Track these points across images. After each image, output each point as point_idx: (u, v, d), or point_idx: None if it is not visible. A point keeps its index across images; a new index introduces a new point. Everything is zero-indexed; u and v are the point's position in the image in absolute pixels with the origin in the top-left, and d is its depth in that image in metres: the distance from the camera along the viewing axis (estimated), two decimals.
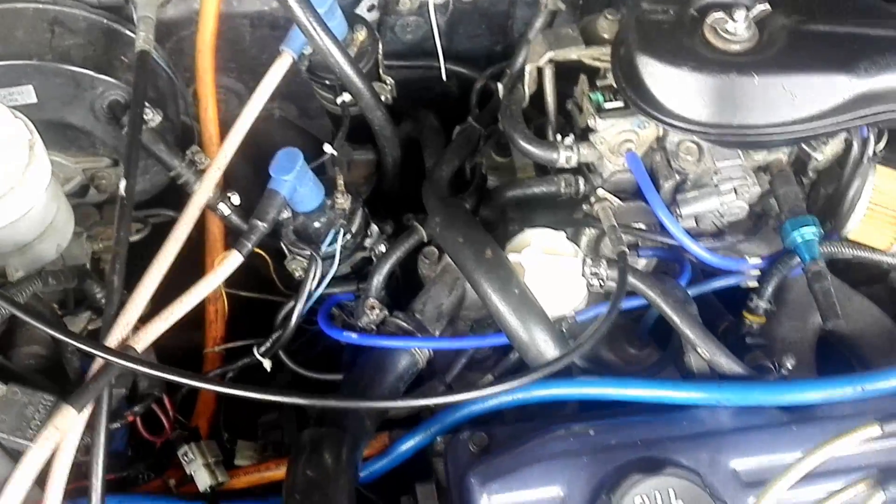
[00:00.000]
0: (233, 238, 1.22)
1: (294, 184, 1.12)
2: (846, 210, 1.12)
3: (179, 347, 1.21)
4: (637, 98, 1.09)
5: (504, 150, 1.38)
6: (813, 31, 1.04)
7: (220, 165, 1.12)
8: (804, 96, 1.02)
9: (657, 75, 1.07)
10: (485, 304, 1.07)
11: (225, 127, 1.27)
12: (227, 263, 1.06)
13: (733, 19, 1.04)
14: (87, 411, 0.89)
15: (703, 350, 1.03)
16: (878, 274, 1.31)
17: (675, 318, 1.05)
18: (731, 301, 1.22)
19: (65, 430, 0.85)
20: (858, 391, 0.96)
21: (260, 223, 1.10)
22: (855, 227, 1.11)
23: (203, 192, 1.10)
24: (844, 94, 1.02)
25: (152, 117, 1.19)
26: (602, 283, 1.08)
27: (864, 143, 1.15)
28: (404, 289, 1.28)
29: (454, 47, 1.61)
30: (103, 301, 1.04)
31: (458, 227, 1.12)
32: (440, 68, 1.52)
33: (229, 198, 1.21)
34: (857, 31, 1.03)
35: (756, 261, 1.14)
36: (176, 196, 1.23)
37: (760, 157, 1.17)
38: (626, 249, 1.07)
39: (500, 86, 1.31)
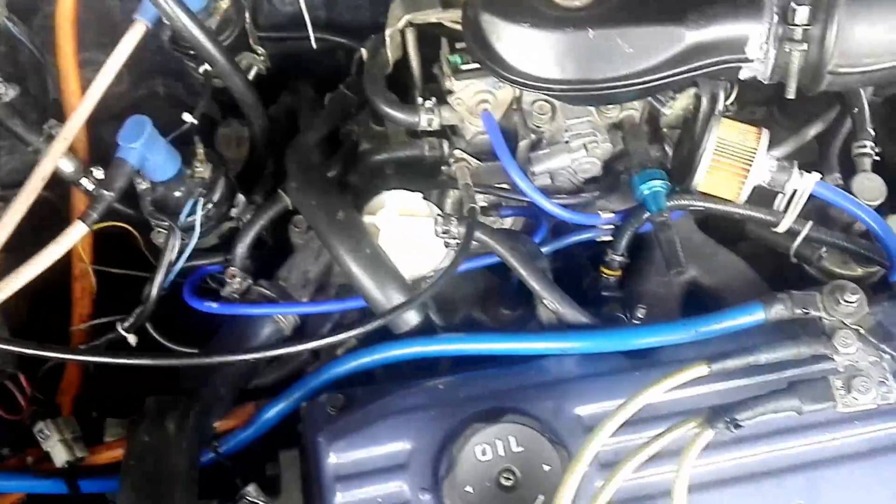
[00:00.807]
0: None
1: (143, 152, 1.10)
2: (691, 160, 1.14)
3: (41, 328, 1.19)
4: (485, 57, 1.09)
5: (381, 119, 1.38)
6: None
7: (66, 136, 1.10)
8: (639, 49, 1.03)
9: (501, 34, 1.07)
10: (338, 264, 1.07)
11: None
12: (71, 234, 1.04)
13: None
14: None
15: (549, 301, 1.05)
16: (743, 231, 1.34)
17: (522, 272, 1.06)
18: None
19: None
20: (692, 334, 0.98)
21: (106, 192, 1.08)
22: (702, 179, 1.12)
23: (49, 160, 1.08)
24: (677, 45, 1.02)
25: (5, 91, 1.16)
26: (450, 241, 1.08)
27: (713, 98, 1.17)
28: (278, 258, 1.28)
29: (336, 18, 1.59)
30: None
31: (313, 190, 1.12)
32: (317, 38, 1.50)
33: (91, 172, 1.18)
34: None
35: (608, 215, 1.15)
36: None
37: (613, 114, 1.18)
38: (477, 206, 1.08)
39: (363, 51, 1.30)
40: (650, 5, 1.04)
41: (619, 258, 1.15)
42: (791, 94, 1.04)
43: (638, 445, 0.89)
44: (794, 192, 1.12)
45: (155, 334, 1.22)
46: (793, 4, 0.99)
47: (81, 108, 1.13)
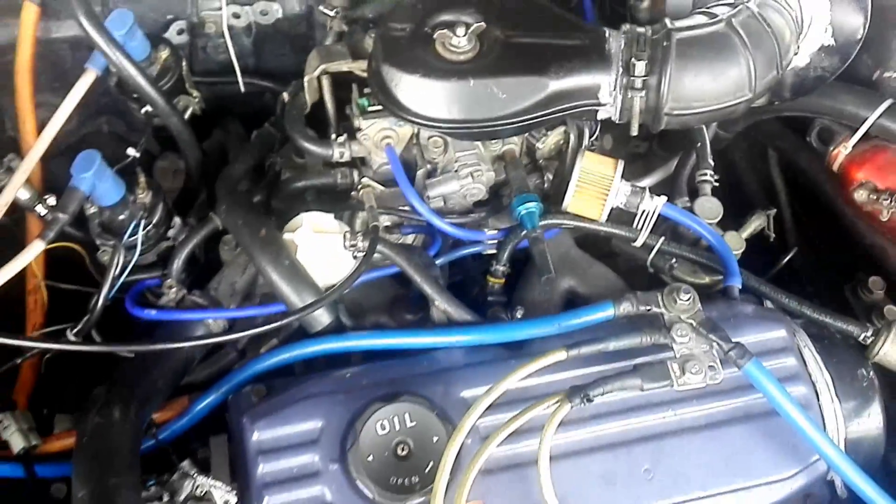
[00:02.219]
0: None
1: (93, 181, 1.24)
2: (562, 189, 1.33)
3: None
4: (386, 101, 1.27)
5: (301, 152, 1.54)
6: (517, 42, 1.24)
7: (25, 168, 1.24)
8: (511, 95, 1.22)
9: (398, 82, 1.25)
10: (261, 275, 1.23)
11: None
12: (30, 250, 1.18)
13: (456, 34, 1.23)
14: None
15: (439, 302, 1.22)
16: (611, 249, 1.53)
17: (417, 279, 1.23)
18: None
19: None
20: (556, 327, 1.16)
21: (61, 215, 1.23)
22: (569, 202, 1.31)
23: (10, 190, 1.22)
24: (541, 92, 1.22)
25: None
26: (356, 254, 1.25)
27: (580, 134, 1.37)
28: (209, 273, 1.42)
29: (263, 65, 1.76)
30: None
31: (239, 212, 1.28)
32: (246, 83, 1.67)
33: (45, 199, 1.32)
34: (551, 41, 1.23)
35: (493, 232, 1.34)
36: None
37: (496, 147, 1.37)
38: (379, 224, 1.25)
39: (285, 95, 1.47)
40: (520, 59, 1.23)
41: (501, 268, 1.33)
42: (634, 131, 1.25)
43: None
44: (645, 212, 1.32)
45: (98, 339, 1.36)
46: (633, 60, 1.19)
47: (38, 145, 1.27)
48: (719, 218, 1.38)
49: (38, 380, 1.37)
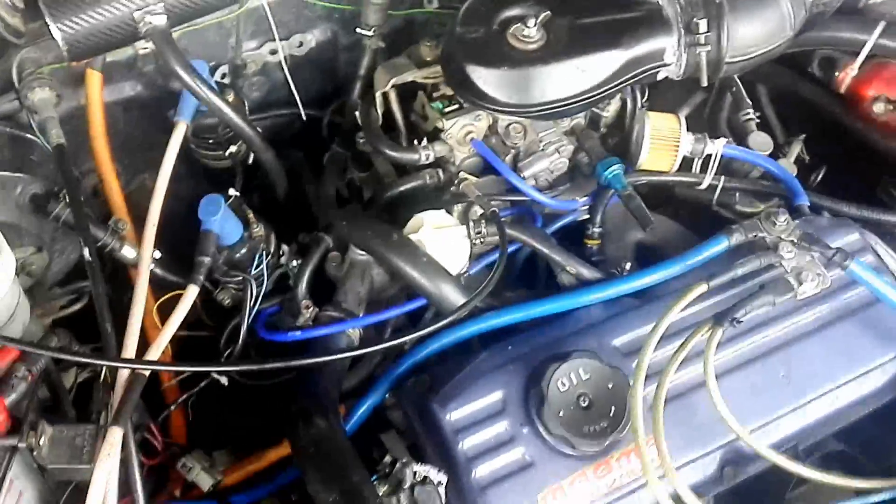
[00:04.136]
0: (155, 289, 1.36)
1: (221, 222, 1.28)
2: (634, 148, 1.42)
3: None
4: (472, 97, 1.34)
5: (362, 166, 1.60)
6: (584, 23, 1.33)
7: (149, 236, 1.26)
8: (590, 71, 1.31)
9: (483, 76, 1.32)
10: (401, 276, 1.29)
11: None
12: (188, 296, 1.21)
13: (527, 26, 1.31)
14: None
15: (570, 267, 1.30)
16: (665, 198, 1.64)
17: (545, 249, 1.32)
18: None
19: (117, 447, 0.98)
20: (682, 267, 1.26)
21: (204, 258, 1.26)
22: (644, 159, 1.41)
23: (145, 263, 1.24)
24: (616, 63, 1.31)
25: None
26: (483, 240, 1.32)
27: (634, 99, 1.47)
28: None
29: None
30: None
31: (364, 224, 1.33)
32: (298, 114, 1.71)
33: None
34: (615, 17, 1.33)
35: (584, 199, 1.42)
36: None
37: (565, 123, 1.46)
38: (497, 209, 1.32)
39: (357, 113, 1.52)
40: (591, 38, 1.32)
41: (597, 230, 1.42)
42: (704, 83, 1.35)
43: (670, 356, 1.15)
44: (709, 155, 1.43)
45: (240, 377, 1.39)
46: (695, 20, 1.30)
47: (154, 208, 1.29)
48: (771, 149, 1.50)
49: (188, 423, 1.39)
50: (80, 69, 1.44)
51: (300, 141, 1.74)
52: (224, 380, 1.36)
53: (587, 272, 1.31)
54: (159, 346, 1.14)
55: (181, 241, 1.34)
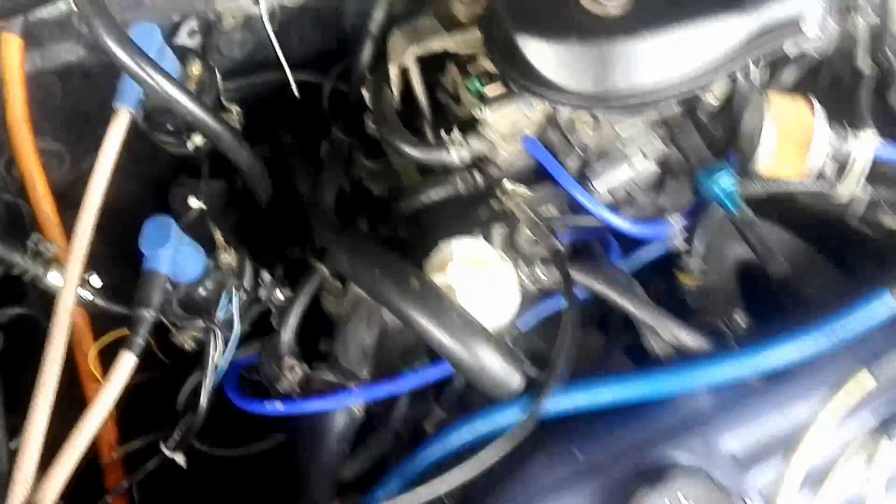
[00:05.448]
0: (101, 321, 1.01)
1: (173, 255, 0.90)
2: (748, 146, 1.01)
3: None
4: (522, 79, 0.95)
5: (374, 154, 1.21)
6: None
7: (78, 256, 0.89)
8: (698, 45, 0.90)
9: (539, 51, 0.93)
10: (424, 339, 0.90)
11: (56, 195, 1.08)
12: (121, 370, 0.84)
13: None
14: None
15: (664, 332, 0.91)
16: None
17: (628, 305, 0.93)
18: None
19: None
20: (833, 339, 0.86)
21: (146, 312, 0.88)
22: (767, 163, 1.00)
23: (68, 292, 0.87)
24: (739, 34, 0.91)
25: None
26: (537, 284, 0.94)
27: (748, 76, 1.05)
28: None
29: (288, 55, 1.41)
30: None
31: (371, 259, 0.94)
32: (283, 79, 1.31)
33: (88, 281, 0.97)
34: None
35: (678, 220, 1.03)
36: None
37: (654, 113, 1.05)
38: (560, 247, 0.93)
39: (364, 92, 1.13)
40: (695, 1, 0.91)
41: (698, 263, 1.02)
42: (860, 61, 0.94)
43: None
44: (853, 158, 1.02)
45: (203, 448, 1.04)
46: None
47: (85, 217, 0.91)
48: None
49: None
50: None
51: (293, 117, 1.35)
52: (181, 459, 1.01)
53: (690, 340, 0.92)
54: (59, 475, 0.76)
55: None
